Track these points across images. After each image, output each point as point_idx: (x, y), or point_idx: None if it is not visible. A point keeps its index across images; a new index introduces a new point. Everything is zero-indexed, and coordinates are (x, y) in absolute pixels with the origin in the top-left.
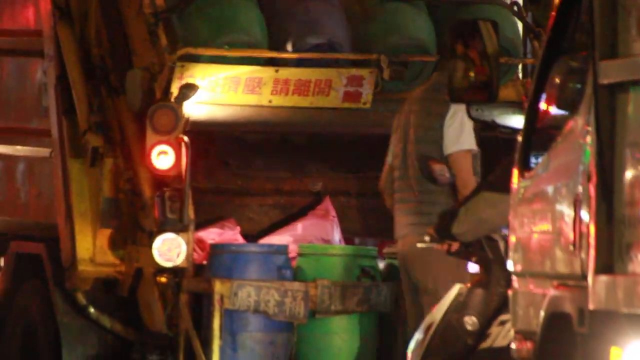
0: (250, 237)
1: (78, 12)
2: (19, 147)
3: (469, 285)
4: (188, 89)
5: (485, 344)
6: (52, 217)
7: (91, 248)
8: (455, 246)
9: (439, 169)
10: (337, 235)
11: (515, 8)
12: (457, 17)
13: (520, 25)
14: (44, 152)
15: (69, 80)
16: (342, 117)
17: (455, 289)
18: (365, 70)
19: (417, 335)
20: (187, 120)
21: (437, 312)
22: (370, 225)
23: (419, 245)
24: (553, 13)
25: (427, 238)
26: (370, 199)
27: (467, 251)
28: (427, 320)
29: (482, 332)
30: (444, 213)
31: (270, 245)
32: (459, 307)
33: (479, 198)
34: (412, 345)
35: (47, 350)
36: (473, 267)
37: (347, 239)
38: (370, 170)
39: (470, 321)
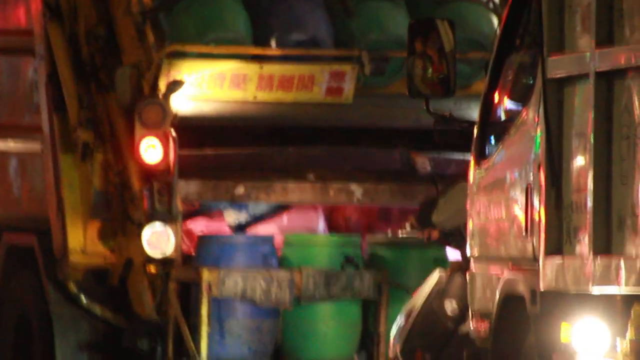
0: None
1: (68, 12)
2: (11, 143)
3: (449, 271)
4: (175, 85)
5: (464, 328)
6: (44, 210)
7: (82, 239)
8: (435, 234)
9: (420, 161)
10: (321, 225)
11: (491, 4)
12: (435, 13)
13: (496, 20)
14: (35, 147)
15: (60, 78)
16: (324, 112)
17: (436, 275)
18: (347, 66)
19: (399, 321)
20: (175, 115)
21: (418, 297)
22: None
23: (401, 234)
24: (505, 11)
25: (408, 227)
26: None
27: (447, 239)
28: (408, 305)
29: (461, 316)
30: (424, 203)
31: (257, 235)
32: (439, 293)
33: (457, 189)
34: (394, 330)
35: (40, 339)
36: (452, 254)
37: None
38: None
39: (450, 306)
